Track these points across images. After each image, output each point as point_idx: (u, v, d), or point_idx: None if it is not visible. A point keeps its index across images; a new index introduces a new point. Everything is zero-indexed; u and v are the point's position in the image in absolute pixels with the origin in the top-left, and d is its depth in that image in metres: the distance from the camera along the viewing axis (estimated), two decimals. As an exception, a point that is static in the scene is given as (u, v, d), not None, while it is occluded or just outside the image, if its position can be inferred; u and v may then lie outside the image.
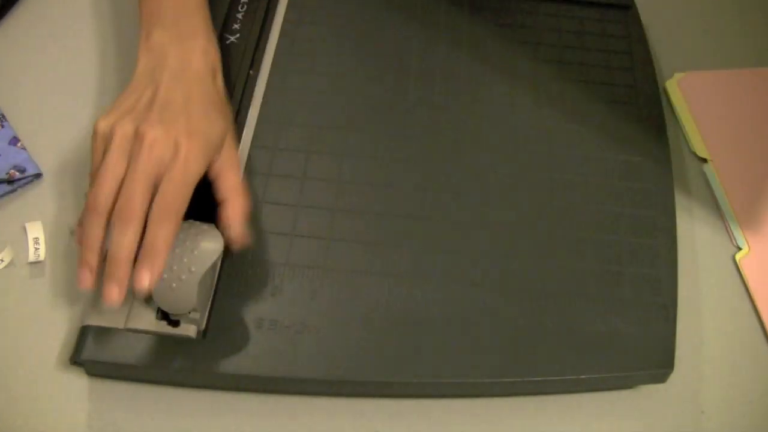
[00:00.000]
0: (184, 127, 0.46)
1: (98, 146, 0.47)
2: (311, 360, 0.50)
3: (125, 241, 0.44)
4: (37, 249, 0.56)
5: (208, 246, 0.48)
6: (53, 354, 0.53)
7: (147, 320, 0.50)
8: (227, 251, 0.51)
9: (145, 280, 0.44)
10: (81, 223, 0.47)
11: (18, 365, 0.52)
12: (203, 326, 0.50)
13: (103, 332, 0.50)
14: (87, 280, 0.46)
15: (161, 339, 0.50)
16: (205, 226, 0.49)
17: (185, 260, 0.47)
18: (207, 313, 0.51)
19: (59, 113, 0.63)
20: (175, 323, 0.50)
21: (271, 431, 0.51)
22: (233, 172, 0.48)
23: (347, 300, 0.53)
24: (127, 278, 0.45)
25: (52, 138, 0.61)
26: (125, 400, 0.51)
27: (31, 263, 0.56)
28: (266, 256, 0.54)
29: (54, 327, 0.53)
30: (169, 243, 0.45)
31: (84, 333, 0.50)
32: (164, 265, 0.46)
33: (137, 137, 0.45)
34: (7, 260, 0.56)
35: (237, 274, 0.53)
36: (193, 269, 0.48)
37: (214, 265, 0.50)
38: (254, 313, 0.52)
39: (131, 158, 0.45)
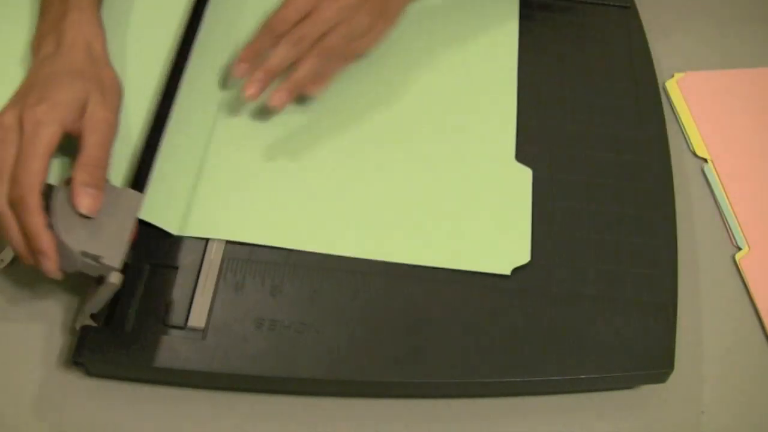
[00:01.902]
0: (32, 99, 0.50)
1: None
2: (311, 360, 0.50)
3: None
4: (37, 249, 0.56)
5: (58, 190, 0.49)
6: (53, 354, 0.53)
7: (91, 291, 0.51)
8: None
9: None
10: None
11: (18, 365, 0.52)
12: (119, 265, 0.50)
13: (103, 332, 0.50)
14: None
15: (161, 339, 0.50)
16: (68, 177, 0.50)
17: (49, 215, 0.48)
18: (124, 254, 0.50)
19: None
20: (99, 280, 0.50)
21: (271, 431, 0.51)
22: (89, 131, 0.50)
23: (347, 300, 0.53)
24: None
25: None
26: (125, 400, 0.51)
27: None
28: (266, 256, 0.54)
29: (54, 327, 0.53)
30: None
31: (84, 333, 0.50)
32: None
33: None
34: (7, 260, 0.56)
35: (237, 274, 0.53)
36: (52, 218, 0.48)
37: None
38: (254, 313, 0.52)
39: None
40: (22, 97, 0.51)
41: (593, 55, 0.66)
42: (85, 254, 0.48)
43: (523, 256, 0.55)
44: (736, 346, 0.56)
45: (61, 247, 0.48)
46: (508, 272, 0.54)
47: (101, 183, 0.50)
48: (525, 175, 0.58)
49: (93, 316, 0.51)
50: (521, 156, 0.60)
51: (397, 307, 0.53)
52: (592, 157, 0.60)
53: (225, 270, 0.53)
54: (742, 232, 0.61)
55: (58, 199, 0.49)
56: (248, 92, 0.58)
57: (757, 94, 0.68)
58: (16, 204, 0.48)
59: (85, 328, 0.51)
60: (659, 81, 0.66)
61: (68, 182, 0.50)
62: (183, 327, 0.51)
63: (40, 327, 0.53)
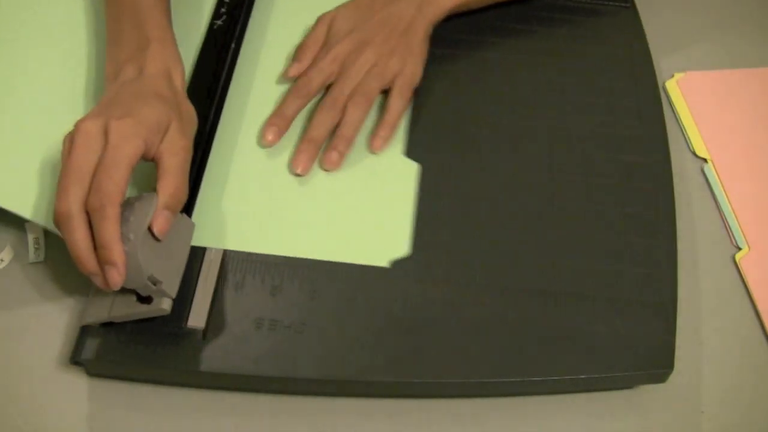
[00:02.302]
0: (117, 113, 0.50)
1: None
2: (311, 360, 0.50)
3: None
4: (37, 249, 0.56)
5: (141, 209, 0.49)
6: (53, 354, 0.53)
7: (127, 304, 0.50)
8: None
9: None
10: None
11: (18, 365, 0.52)
12: (175, 295, 0.50)
13: (103, 332, 0.50)
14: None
15: (161, 339, 0.50)
16: (145, 194, 0.50)
17: (123, 230, 0.48)
18: (179, 283, 0.51)
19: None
20: (147, 300, 0.50)
21: (271, 431, 0.51)
22: (170, 155, 0.51)
23: (347, 300, 0.53)
24: None
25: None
26: (125, 400, 0.51)
27: (31, 263, 0.56)
28: (266, 256, 0.54)
29: (54, 327, 0.53)
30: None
31: (84, 333, 0.50)
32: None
33: (75, 130, 0.50)
34: (7, 260, 0.56)
35: (237, 274, 0.53)
36: (131, 237, 0.48)
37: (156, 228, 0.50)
38: (254, 313, 0.52)
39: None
40: (104, 110, 0.51)
41: (593, 55, 0.66)
42: (150, 277, 0.48)
43: (402, 249, 0.55)
44: (736, 346, 0.56)
45: (130, 265, 0.48)
46: (386, 264, 0.54)
47: (179, 208, 0.51)
48: (411, 168, 0.59)
49: (84, 316, 0.51)
50: (521, 156, 0.60)
51: (396, 307, 0.53)
52: (592, 157, 0.60)
53: (225, 270, 0.53)
54: (742, 232, 0.61)
55: (136, 218, 0.49)
56: (298, 170, 0.58)
57: (757, 94, 0.68)
58: (94, 211, 0.47)
59: (85, 328, 0.51)
60: (659, 81, 0.66)
61: (135, 200, 0.50)
62: (183, 327, 0.51)
63: (39, 326, 0.53)
